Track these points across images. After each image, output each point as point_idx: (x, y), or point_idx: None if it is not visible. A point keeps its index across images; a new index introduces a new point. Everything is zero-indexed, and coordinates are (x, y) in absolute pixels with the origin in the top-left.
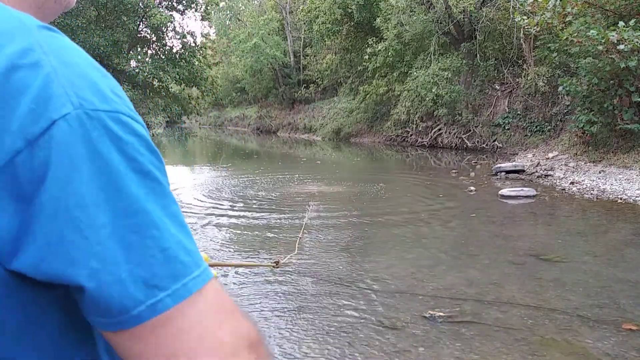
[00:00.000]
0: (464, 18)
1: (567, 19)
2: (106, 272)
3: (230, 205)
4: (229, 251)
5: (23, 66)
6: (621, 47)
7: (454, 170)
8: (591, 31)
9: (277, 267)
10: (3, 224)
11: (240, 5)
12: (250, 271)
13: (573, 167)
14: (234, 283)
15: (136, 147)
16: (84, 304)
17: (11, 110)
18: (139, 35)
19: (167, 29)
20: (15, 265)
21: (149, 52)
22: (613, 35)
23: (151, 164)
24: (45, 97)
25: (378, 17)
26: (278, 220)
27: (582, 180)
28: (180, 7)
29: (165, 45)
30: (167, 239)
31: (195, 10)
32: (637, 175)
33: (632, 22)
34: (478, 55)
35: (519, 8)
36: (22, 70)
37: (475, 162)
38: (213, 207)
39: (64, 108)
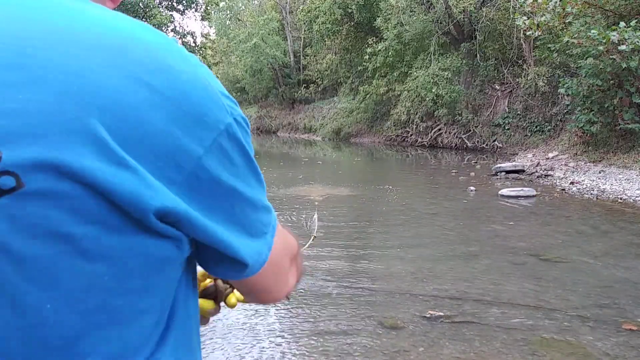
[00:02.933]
0: (464, 18)
1: (567, 20)
2: (252, 236)
3: None
4: None
5: (197, 82)
6: (622, 47)
7: (454, 170)
8: (592, 31)
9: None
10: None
11: (240, 5)
12: None
13: (573, 167)
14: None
15: (249, 140)
16: (219, 262)
17: (190, 127)
18: None
19: (167, 29)
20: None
21: None
22: (614, 36)
23: (252, 150)
24: (212, 112)
25: (378, 17)
26: (286, 218)
27: (582, 180)
28: (180, 7)
29: None
30: (268, 220)
31: (195, 10)
32: (637, 175)
33: (633, 23)
34: (478, 55)
35: (519, 8)
36: (186, 84)
37: (475, 162)
38: None
39: (227, 119)
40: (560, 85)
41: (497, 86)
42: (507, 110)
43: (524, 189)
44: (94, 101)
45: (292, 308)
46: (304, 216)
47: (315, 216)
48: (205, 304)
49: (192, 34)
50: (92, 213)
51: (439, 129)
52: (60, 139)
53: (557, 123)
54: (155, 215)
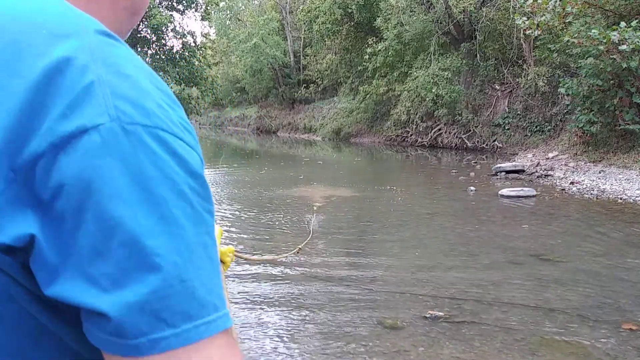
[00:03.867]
0: (464, 18)
1: (567, 20)
2: (113, 292)
3: (242, 205)
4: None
5: (68, 69)
6: (623, 47)
7: (454, 170)
8: (592, 31)
9: (299, 253)
10: (19, 233)
11: (240, 5)
12: (250, 271)
13: (573, 167)
14: (233, 281)
15: (171, 165)
16: (82, 312)
17: (45, 112)
18: (138, 35)
19: (167, 29)
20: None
21: (149, 52)
22: (615, 35)
23: (186, 184)
24: (81, 104)
25: (378, 17)
26: (287, 218)
27: (582, 180)
28: (180, 7)
29: (165, 45)
30: (189, 270)
31: (195, 10)
32: (637, 175)
33: (633, 23)
34: (478, 55)
35: (519, 9)
36: (66, 73)
37: (475, 162)
38: (225, 208)
39: (99, 118)
40: (560, 85)
41: (497, 86)
42: (507, 110)
43: (524, 189)
44: None
45: (291, 308)
46: (305, 219)
47: (314, 219)
48: None
49: (192, 34)
50: None
51: (439, 129)
52: None
53: (557, 123)
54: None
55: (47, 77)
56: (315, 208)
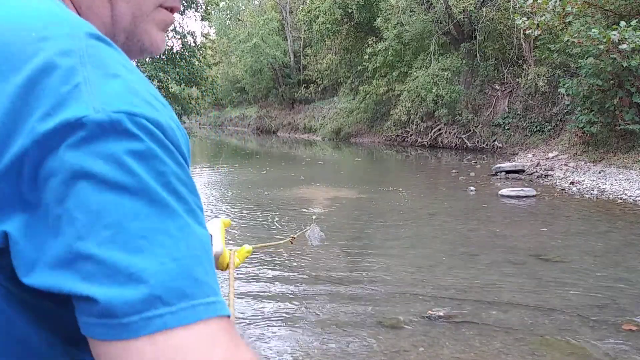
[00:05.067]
0: (464, 18)
1: (567, 20)
2: (102, 275)
3: (243, 205)
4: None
5: (55, 71)
6: (623, 46)
7: (454, 170)
8: (593, 30)
9: (292, 244)
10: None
11: (240, 5)
12: (250, 271)
13: (573, 167)
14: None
15: (157, 153)
16: (74, 300)
17: (30, 113)
18: None
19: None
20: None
21: None
22: (615, 35)
23: (173, 174)
24: (65, 103)
25: (378, 17)
26: (288, 219)
27: (582, 180)
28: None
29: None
30: (181, 249)
31: (195, 10)
32: (637, 175)
33: (633, 23)
34: (478, 55)
35: (519, 9)
36: (53, 75)
37: (475, 162)
38: (227, 208)
39: (82, 112)
40: (560, 85)
41: (497, 86)
42: (507, 110)
43: (524, 189)
44: None
45: (291, 308)
46: (306, 220)
47: (316, 229)
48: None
49: (192, 34)
50: None
51: (439, 129)
52: None
53: (557, 123)
54: None
55: (33, 80)
56: (314, 217)
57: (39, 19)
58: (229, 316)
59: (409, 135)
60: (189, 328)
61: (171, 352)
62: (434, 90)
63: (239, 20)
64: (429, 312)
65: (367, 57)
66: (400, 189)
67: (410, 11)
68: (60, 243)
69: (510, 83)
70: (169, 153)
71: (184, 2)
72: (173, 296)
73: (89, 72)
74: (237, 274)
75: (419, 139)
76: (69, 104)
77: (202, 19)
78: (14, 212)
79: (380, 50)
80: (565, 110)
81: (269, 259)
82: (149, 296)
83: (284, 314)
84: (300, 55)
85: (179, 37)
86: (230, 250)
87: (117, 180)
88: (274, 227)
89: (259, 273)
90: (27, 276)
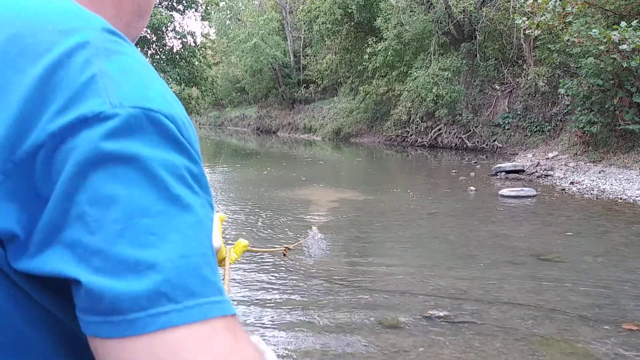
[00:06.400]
0: (464, 18)
1: (567, 20)
2: (110, 269)
3: (244, 206)
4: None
5: (70, 64)
6: (623, 46)
7: (454, 170)
8: (593, 30)
9: (286, 255)
10: (12, 223)
11: (240, 5)
12: (250, 271)
13: (573, 167)
14: (232, 280)
15: (172, 149)
16: (78, 299)
17: (46, 105)
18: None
19: (167, 29)
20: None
21: (149, 52)
22: (615, 35)
23: (186, 169)
24: (82, 96)
25: (378, 17)
26: (289, 219)
27: (582, 180)
28: (180, 7)
29: (165, 45)
30: (191, 247)
31: (195, 10)
32: (637, 175)
33: (634, 23)
34: (478, 55)
35: (519, 9)
36: (68, 67)
37: (475, 162)
38: (227, 208)
39: (99, 107)
40: (560, 85)
41: (497, 86)
42: (507, 110)
43: (524, 189)
44: None
45: (291, 308)
46: (308, 221)
47: (317, 236)
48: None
49: (192, 34)
50: None
51: (439, 129)
52: None
53: (557, 123)
54: None
55: (50, 72)
56: (314, 228)
57: (55, 13)
58: (234, 315)
59: (409, 135)
60: (194, 326)
61: (175, 350)
62: (434, 90)
63: (239, 20)
64: (429, 312)
65: (367, 57)
66: (401, 189)
67: (410, 11)
68: (69, 236)
69: (510, 83)
70: (184, 149)
71: (184, 2)
72: (180, 294)
73: (106, 66)
74: (237, 273)
75: (419, 139)
76: (85, 98)
77: (202, 19)
78: (27, 204)
79: (380, 50)
80: (565, 110)
81: (269, 259)
82: (155, 293)
83: (284, 314)
84: (300, 55)
85: (179, 37)
86: (226, 246)
87: (131, 175)
88: (274, 227)
89: (259, 272)
90: (32, 260)
